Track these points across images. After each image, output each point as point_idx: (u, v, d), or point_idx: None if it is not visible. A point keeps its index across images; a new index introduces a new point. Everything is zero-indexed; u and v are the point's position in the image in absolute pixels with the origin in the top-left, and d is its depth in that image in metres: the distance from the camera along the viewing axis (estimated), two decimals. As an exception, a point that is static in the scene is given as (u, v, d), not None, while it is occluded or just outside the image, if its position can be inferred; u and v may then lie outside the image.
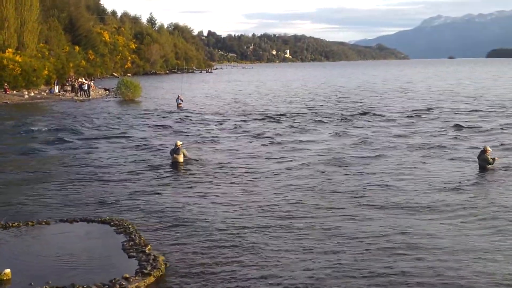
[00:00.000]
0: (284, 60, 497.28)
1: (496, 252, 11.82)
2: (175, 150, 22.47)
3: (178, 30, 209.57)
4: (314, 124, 36.60)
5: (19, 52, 69.73)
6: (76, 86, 68.90)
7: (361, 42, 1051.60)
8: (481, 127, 33.23)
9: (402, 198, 16.51)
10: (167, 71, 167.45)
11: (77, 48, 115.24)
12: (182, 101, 52.05)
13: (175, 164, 22.24)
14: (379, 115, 40.98)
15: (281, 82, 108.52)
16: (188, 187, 18.62)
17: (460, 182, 18.43)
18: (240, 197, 17.07)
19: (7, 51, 67.28)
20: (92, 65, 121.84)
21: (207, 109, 48.60)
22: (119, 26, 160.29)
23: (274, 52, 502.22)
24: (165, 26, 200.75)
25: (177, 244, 12.63)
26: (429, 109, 44.47)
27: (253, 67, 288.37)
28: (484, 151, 20.60)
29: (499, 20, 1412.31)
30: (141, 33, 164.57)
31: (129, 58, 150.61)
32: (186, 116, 42.82)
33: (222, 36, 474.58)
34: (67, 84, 75.87)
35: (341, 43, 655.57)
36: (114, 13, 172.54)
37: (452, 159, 22.99)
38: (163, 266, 11.11)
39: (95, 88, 75.11)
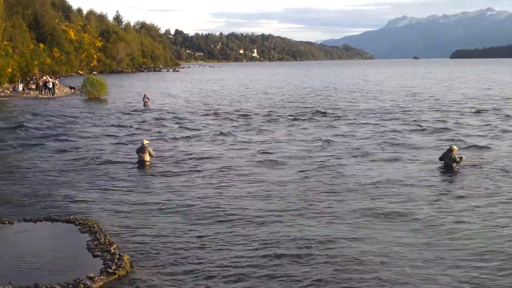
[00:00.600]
0: (252, 59, 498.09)
1: (464, 250, 12.03)
2: (141, 149, 22.25)
3: (145, 29, 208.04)
4: (274, 123, 36.59)
5: (-19, 50, 68.37)
6: (41, 84, 67.82)
7: (327, 42, 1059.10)
8: (446, 126, 33.56)
9: (366, 199, 16.53)
10: (134, 70, 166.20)
11: (42, 45, 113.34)
12: (148, 99, 51.76)
13: (141, 163, 22.01)
14: (343, 115, 41.12)
15: (247, 81, 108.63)
16: (154, 186, 18.47)
17: (426, 182, 18.61)
18: (206, 195, 17.03)
19: (-31, 48, 65.91)
20: (57, 63, 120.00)
21: (174, 108, 48.38)
22: (85, 23, 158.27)
23: (241, 51, 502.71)
24: (132, 24, 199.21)
25: (142, 243, 12.57)
26: (393, 109, 44.84)
27: (221, 66, 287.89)
28: (450, 150, 20.71)
29: (463, 21, 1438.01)
30: (108, 31, 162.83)
31: (95, 56, 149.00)
32: (152, 114, 42.58)
33: (190, 35, 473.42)
34: (32, 82, 74.65)
35: (308, 43, 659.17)
36: (80, 10, 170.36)
37: (417, 159, 23.04)
38: (128, 265, 11.06)
39: (60, 86, 74.09)
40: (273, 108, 47.71)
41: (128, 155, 24.27)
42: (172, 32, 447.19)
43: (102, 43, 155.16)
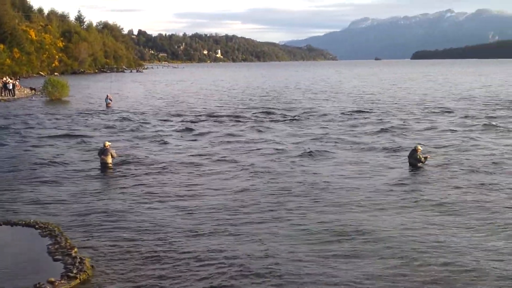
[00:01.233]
0: (216, 60, 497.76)
1: (433, 247, 12.21)
2: (103, 151, 21.92)
3: (108, 29, 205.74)
4: (237, 124, 36.70)
5: None
6: (0, 85, 66.53)
7: (291, 43, 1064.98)
8: (410, 126, 33.95)
9: (331, 199, 16.56)
10: (96, 70, 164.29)
11: (1, 46, 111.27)
12: (111, 100, 51.24)
13: (103, 165, 21.73)
14: (305, 116, 41.27)
15: (210, 82, 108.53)
16: (116, 188, 18.33)
17: (391, 182, 18.76)
18: (168, 198, 16.96)
19: None
20: (17, 63, 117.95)
21: (137, 109, 48.06)
22: (46, 24, 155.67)
23: (205, 52, 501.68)
24: (94, 25, 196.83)
25: (104, 246, 12.46)
26: (356, 110, 45.13)
27: (184, 67, 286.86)
28: (415, 150, 20.90)
29: (423, 22, 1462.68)
30: (69, 31, 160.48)
31: (57, 56, 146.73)
32: (115, 115, 42.18)
33: (153, 35, 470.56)
34: (-9, 83, 73.07)
35: (272, 44, 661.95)
36: (40, 10, 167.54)
37: (382, 158, 23.26)
38: (90, 269, 10.96)
39: (20, 87, 72.70)
40: (237, 108, 47.79)
41: (90, 157, 23.92)
42: (135, 32, 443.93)
43: (63, 43, 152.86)
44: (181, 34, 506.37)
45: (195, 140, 29.57)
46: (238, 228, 13.86)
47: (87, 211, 15.43)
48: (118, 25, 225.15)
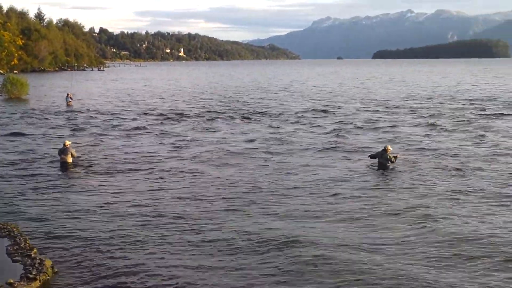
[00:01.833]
0: (179, 58, 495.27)
1: (393, 246, 12.33)
2: (63, 150, 21.66)
3: (69, 26, 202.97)
4: (200, 122, 36.69)
5: None
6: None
7: (254, 42, 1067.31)
8: (374, 126, 34.25)
9: (297, 200, 16.52)
10: (57, 68, 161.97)
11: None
12: (71, 99, 50.69)
13: (63, 165, 21.43)
14: (269, 114, 41.42)
15: (172, 81, 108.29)
16: (76, 188, 18.11)
17: (361, 181, 18.85)
18: (131, 196, 16.92)
19: None
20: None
21: (98, 108, 47.59)
22: (5, 21, 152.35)
23: (168, 50, 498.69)
24: (55, 22, 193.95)
25: (64, 248, 12.31)
26: (318, 109, 45.39)
27: (147, 66, 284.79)
28: (385, 150, 20.95)
29: (384, 22, 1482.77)
30: (29, 28, 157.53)
31: (16, 54, 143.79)
32: (76, 114, 41.69)
33: (115, 33, 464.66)
34: None
35: (235, 43, 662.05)
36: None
37: (350, 158, 23.35)
38: (50, 270, 10.79)
39: (-23, 85, 71.09)
40: (198, 107, 47.78)
41: (50, 156, 23.56)
42: (97, 30, 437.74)
43: (23, 41, 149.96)
44: (143, 32, 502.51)
45: (156, 139, 29.48)
46: (198, 229, 13.64)
47: (47, 211, 15.20)
48: (79, 23, 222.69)
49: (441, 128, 32.44)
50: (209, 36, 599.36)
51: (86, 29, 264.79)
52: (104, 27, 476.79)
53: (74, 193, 17.51)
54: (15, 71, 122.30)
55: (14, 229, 13.11)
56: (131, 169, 21.16)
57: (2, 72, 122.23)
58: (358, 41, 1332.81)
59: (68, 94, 51.32)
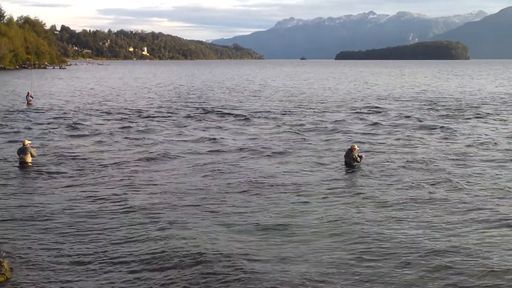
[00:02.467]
0: (142, 57, 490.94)
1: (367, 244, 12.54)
2: (23, 150, 21.19)
3: (29, 24, 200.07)
4: (160, 122, 37.06)
5: None
6: None
7: (218, 42, 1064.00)
8: (338, 125, 34.65)
9: (269, 200, 16.40)
10: (17, 66, 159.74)
11: None
12: (32, 98, 50.35)
13: (22, 165, 21.01)
14: (231, 114, 41.70)
15: (135, 79, 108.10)
16: (36, 188, 17.80)
17: (328, 181, 18.83)
18: (91, 196, 16.72)
19: None
20: None
21: (59, 106, 47.39)
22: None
23: (131, 49, 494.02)
24: (15, 19, 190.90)
25: (23, 248, 12.13)
26: (277, 109, 45.98)
27: (110, 64, 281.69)
28: (351, 150, 21.10)
29: (346, 24, 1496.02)
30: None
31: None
32: (36, 113, 41.45)
33: (77, 31, 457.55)
34: None
35: (199, 42, 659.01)
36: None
37: (315, 158, 23.28)
38: (8, 271, 10.56)
39: None
40: (162, 106, 48.48)
41: (9, 156, 23.14)
42: (58, 28, 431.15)
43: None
44: (106, 30, 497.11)
45: (118, 137, 29.28)
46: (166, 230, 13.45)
47: (4, 212, 14.98)
48: (40, 21, 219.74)
49: (402, 127, 33.46)
50: (173, 35, 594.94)
51: (48, 26, 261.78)
52: (66, 25, 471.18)
53: (33, 193, 17.18)
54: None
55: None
56: (93, 168, 20.92)
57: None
58: (321, 42, 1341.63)
59: (28, 93, 50.78)
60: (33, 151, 21.62)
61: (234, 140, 28.73)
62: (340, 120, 37.41)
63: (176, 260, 11.43)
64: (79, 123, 35.41)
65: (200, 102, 52.41)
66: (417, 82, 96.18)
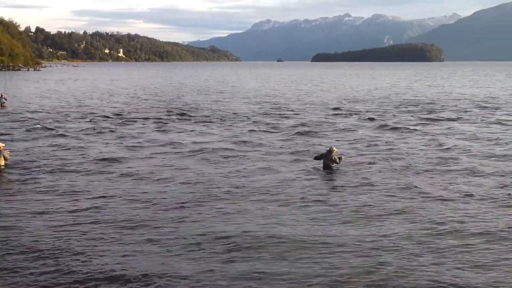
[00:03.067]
0: (118, 59, 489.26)
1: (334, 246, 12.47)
2: None
3: (3, 25, 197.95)
4: (135, 124, 36.65)
5: None
6: None
7: (194, 44, 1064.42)
8: (315, 127, 34.56)
9: (239, 203, 16.04)
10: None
11: None
12: (6, 100, 49.33)
13: None
14: (202, 116, 41.68)
15: (110, 82, 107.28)
16: (9, 193, 17.19)
17: (306, 182, 18.69)
18: (66, 200, 16.25)
19: None
20: None
21: (33, 109, 46.67)
22: None
23: (106, 51, 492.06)
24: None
25: None
26: (264, 111, 45.95)
27: (85, 66, 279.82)
28: (330, 151, 20.76)
29: (323, 26, 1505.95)
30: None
31: None
32: (10, 116, 40.58)
33: (52, 33, 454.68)
34: None
35: (175, 44, 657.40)
36: None
37: (294, 160, 23.06)
38: None
39: None
40: (136, 108, 48.21)
41: None
42: (33, 29, 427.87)
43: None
44: (81, 32, 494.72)
45: (94, 140, 28.86)
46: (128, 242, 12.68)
47: None
48: (14, 22, 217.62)
49: (385, 129, 33.51)
50: (149, 36, 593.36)
51: (22, 28, 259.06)
52: (41, 26, 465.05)
53: (6, 197, 16.68)
54: None
55: None
56: (69, 172, 20.50)
57: None
58: (298, 43, 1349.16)
59: (1, 95, 49.73)
60: (7, 154, 20.96)
61: (197, 142, 28.05)
62: (316, 122, 37.37)
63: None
64: (54, 125, 34.96)
65: (170, 104, 52.10)
66: (389, 84, 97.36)
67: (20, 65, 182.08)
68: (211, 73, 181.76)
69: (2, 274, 10.64)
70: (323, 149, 23.59)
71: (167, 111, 44.92)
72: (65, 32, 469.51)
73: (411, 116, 41.51)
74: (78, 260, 11.36)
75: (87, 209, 15.34)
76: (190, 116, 41.25)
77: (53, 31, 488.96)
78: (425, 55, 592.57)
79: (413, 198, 16.60)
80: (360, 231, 13.39)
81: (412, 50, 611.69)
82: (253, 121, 37.92)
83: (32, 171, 20.47)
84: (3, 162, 20.55)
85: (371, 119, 38.87)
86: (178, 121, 38.16)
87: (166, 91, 77.03)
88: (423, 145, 27.14)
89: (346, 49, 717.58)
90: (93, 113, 43.21)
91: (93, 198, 16.59)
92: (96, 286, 10.22)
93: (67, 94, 68.15)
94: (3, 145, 21.45)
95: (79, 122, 37.44)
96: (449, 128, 34.31)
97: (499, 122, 36.93)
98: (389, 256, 11.66)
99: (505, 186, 18.01)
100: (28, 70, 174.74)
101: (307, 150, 25.30)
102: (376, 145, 27.22)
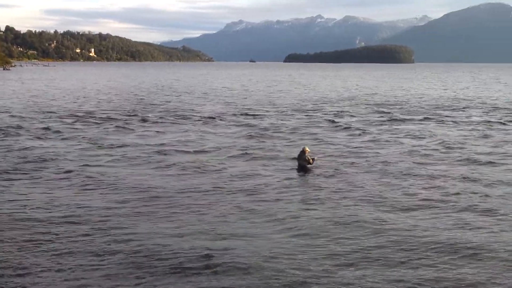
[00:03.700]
0: (89, 58, 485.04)
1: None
2: None
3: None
4: (104, 124, 36.05)
5: None
6: None
7: (167, 44, 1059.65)
8: (294, 128, 34.20)
9: (216, 205, 15.77)
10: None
11: None
12: None
13: None
14: (177, 116, 41.42)
15: (81, 81, 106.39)
16: None
17: (280, 183, 18.52)
18: (46, 202, 15.88)
19: None
20: None
21: (2, 109, 45.63)
22: None
23: (78, 51, 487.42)
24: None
25: None
26: (236, 112, 45.79)
27: (56, 65, 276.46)
28: (303, 152, 20.78)
29: (295, 26, 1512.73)
30: None
31: None
32: None
33: (22, 32, 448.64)
34: None
35: (148, 44, 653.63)
36: None
37: (269, 161, 22.67)
38: None
39: None
40: (106, 109, 47.79)
41: None
42: (3, 28, 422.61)
43: None
44: (52, 31, 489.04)
45: (62, 141, 28.17)
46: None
47: None
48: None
49: (356, 129, 33.74)
50: (121, 36, 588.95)
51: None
52: (11, 25, 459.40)
53: None
54: None
55: None
56: (34, 170, 20.23)
57: None
58: (270, 44, 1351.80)
59: None
60: None
61: (151, 145, 27.26)
62: (293, 124, 36.82)
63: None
64: (25, 125, 34.37)
65: (140, 106, 51.50)
66: (361, 85, 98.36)
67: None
68: (182, 73, 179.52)
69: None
70: (297, 150, 23.18)
71: (136, 112, 44.24)
72: (35, 31, 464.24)
73: (379, 117, 41.65)
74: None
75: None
76: (158, 117, 40.27)
77: (23, 30, 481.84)
78: (396, 56, 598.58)
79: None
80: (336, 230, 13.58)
81: (383, 52, 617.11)
82: (228, 122, 37.60)
83: (4, 172, 19.96)
84: None
85: (333, 121, 38.23)
86: (135, 124, 36.66)
87: (134, 92, 75.76)
88: (403, 144, 27.35)
89: (318, 50, 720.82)
90: (63, 113, 42.55)
91: (63, 199, 16.40)
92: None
93: (36, 93, 67.13)
94: None
95: (48, 121, 36.88)
96: (410, 128, 34.50)
97: (467, 123, 37.35)
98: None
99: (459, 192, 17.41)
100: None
101: (280, 151, 25.08)
102: (352, 145, 27.20)
